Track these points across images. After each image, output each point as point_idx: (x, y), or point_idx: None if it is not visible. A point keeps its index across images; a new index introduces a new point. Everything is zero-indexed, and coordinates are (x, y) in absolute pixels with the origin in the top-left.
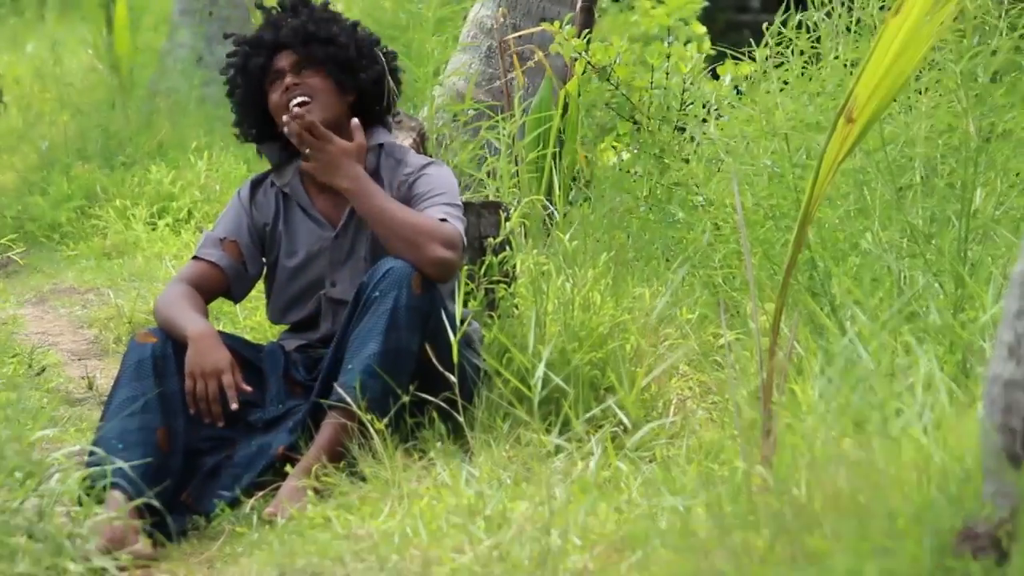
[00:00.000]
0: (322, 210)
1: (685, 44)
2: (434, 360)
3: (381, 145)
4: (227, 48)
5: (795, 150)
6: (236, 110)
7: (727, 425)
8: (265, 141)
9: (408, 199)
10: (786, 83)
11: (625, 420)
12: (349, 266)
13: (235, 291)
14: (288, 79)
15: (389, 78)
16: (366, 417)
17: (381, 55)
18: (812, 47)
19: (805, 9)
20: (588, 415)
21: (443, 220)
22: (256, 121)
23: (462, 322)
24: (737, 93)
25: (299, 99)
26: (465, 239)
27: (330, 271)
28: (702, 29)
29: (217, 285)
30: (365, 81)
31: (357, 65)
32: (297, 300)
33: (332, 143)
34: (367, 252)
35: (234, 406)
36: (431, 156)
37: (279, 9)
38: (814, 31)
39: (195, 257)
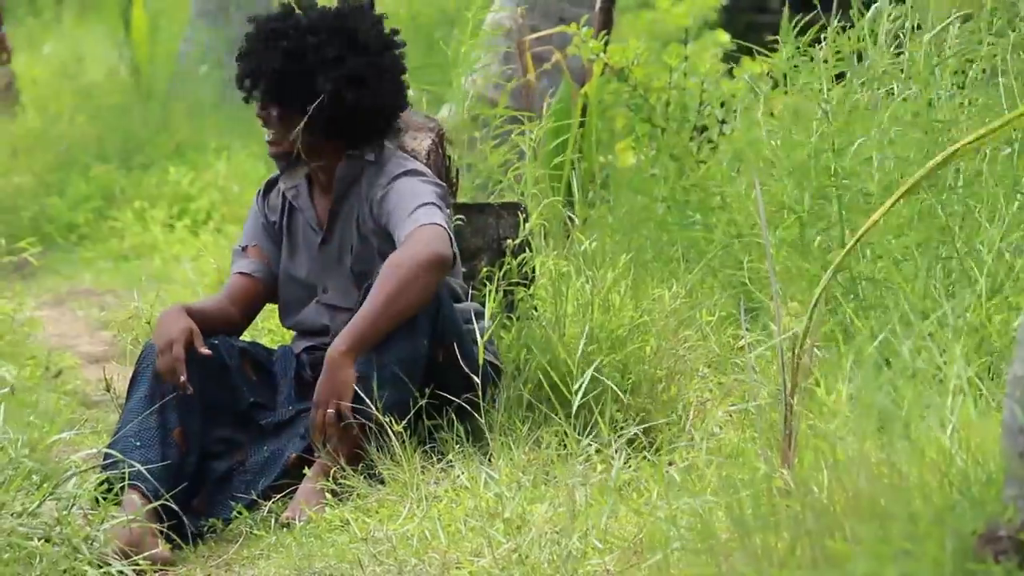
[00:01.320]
0: (318, 215)
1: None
2: (452, 359)
3: (367, 159)
4: None
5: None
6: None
7: (747, 427)
8: None
9: (379, 216)
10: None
11: (645, 423)
12: (337, 272)
13: (271, 290)
14: (257, 110)
15: (379, 97)
16: (384, 419)
17: (372, 75)
18: (835, 55)
19: (829, 9)
20: (606, 417)
21: (413, 229)
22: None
23: (467, 320)
24: (755, 94)
25: (266, 134)
26: (447, 224)
27: (322, 277)
28: (725, 36)
29: (253, 292)
30: (333, 115)
31: (312, 101)
32: (297, 304)
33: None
34: (352, 262)
35: (183, 381)
36: (448, 156)
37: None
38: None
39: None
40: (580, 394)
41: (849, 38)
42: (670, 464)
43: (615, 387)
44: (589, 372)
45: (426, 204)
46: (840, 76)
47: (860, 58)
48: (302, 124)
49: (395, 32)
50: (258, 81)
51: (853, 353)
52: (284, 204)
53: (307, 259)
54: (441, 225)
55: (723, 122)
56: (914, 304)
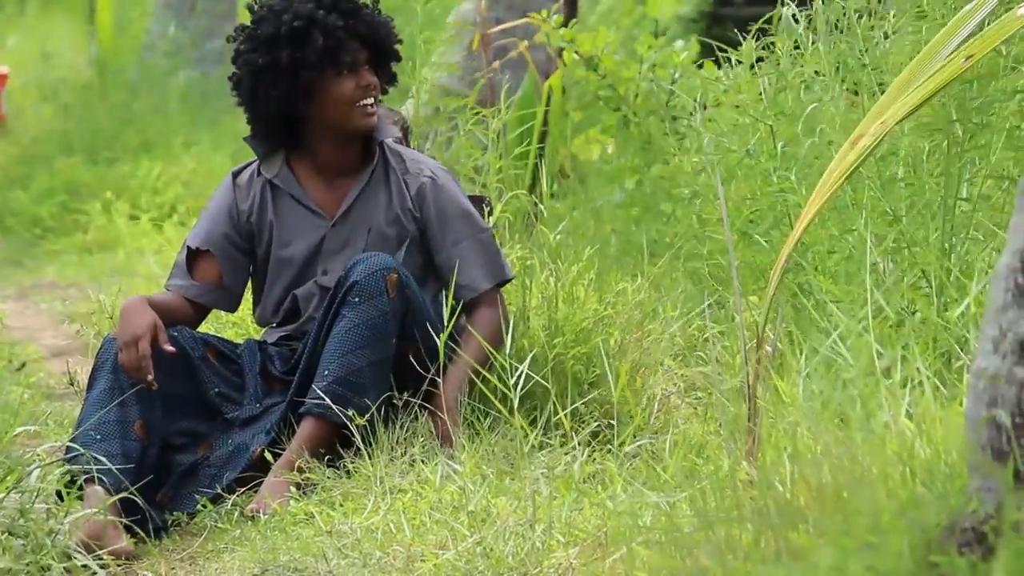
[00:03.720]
0: (317, 200)
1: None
2: (413, 355)
3: (382, 143)
4: (212, 42)
5: (778, 142)
6: (258, 97)
7: (711, 420)
8: (274, 127)
9: (427, 215)
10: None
11: (608, 416)
12: (344, 255)
13: (219, 307)
14: (368, 77)
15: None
16: (349, 413)
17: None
18: (794, 47)
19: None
20: (569, 409)
21: (486, 292)
22: (272, 111)
23: (448, 315)
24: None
25: (367, 105)
26: (502, 255)
27: (323, 259)
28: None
29: (184, 313)
30: (393, 80)
31: (398, 66)
32: (291, 287)
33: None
34: (366, 246)
35: (150, 380)
36: (414, 148)
37: None
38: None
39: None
40: (521, 385)
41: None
42: (634, 457)
43: (577, 380)
44: (525, 365)
45: (492, 236)
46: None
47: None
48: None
49: None
50: (365, 45)
51: (806, 347)
52: (264, 196)
53: (304, 244)
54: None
55: (691, 113)
56: (859, 298)
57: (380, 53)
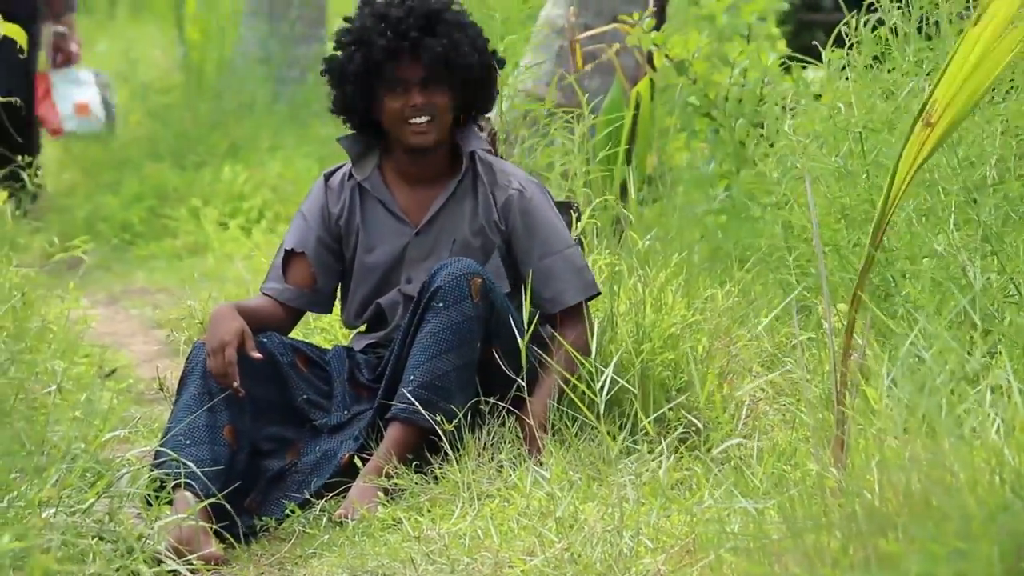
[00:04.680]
0: (404, 207)
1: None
2: (499, 359)
3: (474, 152)
4: (300, 48)
5: (869, 150)
6: (340, 95)
7: (799, 427)
8: (362, 128)
9: (512, 225)
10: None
11: (696, 422)
12: (427, 264)
13: (312, 310)
14: (417, 97)
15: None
16: (436, 418)
17: (493, 60)
18: (886, 48)
19: (872, 10)
20: (655, 415)
21: (573, 308)
22: (356, 110)
23: (531, 323)
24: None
25: (419, 123)
26: (589, 270)
27: (407, 267)
28: (775, 30)
29: (276, 317)
30: (482, 94)
31: (479, 81)
32: (375, 294)
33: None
34: (450, 256)
35: (236, 386)
36: (501, 156)
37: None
38: (879, 29)
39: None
40: (606, 391)
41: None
42: (722, 463)
43: (664, 386)
44: (609, 371)
45: (579, 250)
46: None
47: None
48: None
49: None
50: (423, 63)
51: (892, 354)
52: (353, 198)
53: (389, 250)
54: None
55: (777, 119)
56: (946, 304)
57: (441, 73)
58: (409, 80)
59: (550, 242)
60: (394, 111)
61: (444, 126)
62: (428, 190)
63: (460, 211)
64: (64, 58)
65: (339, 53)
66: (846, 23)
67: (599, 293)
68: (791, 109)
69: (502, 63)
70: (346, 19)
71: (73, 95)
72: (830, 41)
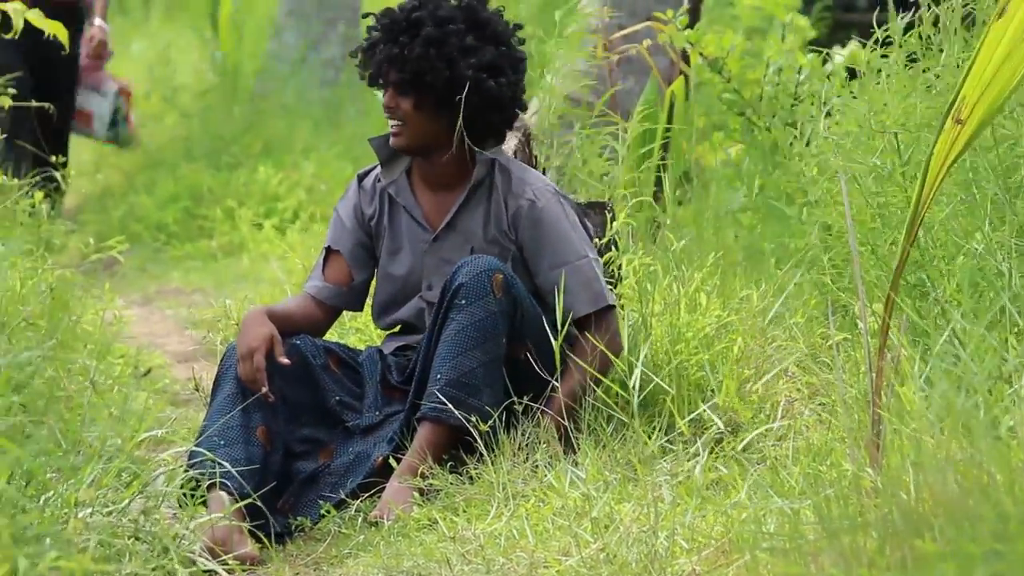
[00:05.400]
0: (426, 212)
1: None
2: (531, 358)
3: (494, 160)
4: (333, 49)
5: (905, 149)
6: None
7: (835, 427)
8: None
9: (523, 236)
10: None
11: (719, 422)
12: (446, 271)
13: (347, 308)
14: (387, 99)
15: (516, 89)
16: (466, 415)
17: (508, 65)
18: (927, 46)
19: (908, 9)
20: (691, 416)
21: (600, 320)
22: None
23: (563, 323)
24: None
25: (391, 125)
26: (603, 281)
27: (427, 274)
28: (803, 20)
29: (317, 316)
30: (472, 104)
31: (453, 90)
32: (396, 300)
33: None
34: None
35: (265, 392)
36: (535, 156)
37: (400, 11)
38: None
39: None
40: (638, 390)
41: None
42: (758, 463)
43: (700, 386)
44: (639, 369)
45: (593, 262)
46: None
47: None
48: (460, 114)
49: (518, 26)
50: (395, 70)
51: (925, 353)
52: (383, 199)
53: (410, 256)
54: (614, 306)
55: (812, 117)
56: (983, 304)
57: (409, 82)
58: (388, 82)
59: (560, 253)
60: (391, 104)
61: (415, 132)
62: (447, 196)
63: (474, 219)
64: (97, 50)
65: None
66: (880, 23)
67: (611, 305)
68: (826, 107)
69: (509, 100)
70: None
71: (79, 101)
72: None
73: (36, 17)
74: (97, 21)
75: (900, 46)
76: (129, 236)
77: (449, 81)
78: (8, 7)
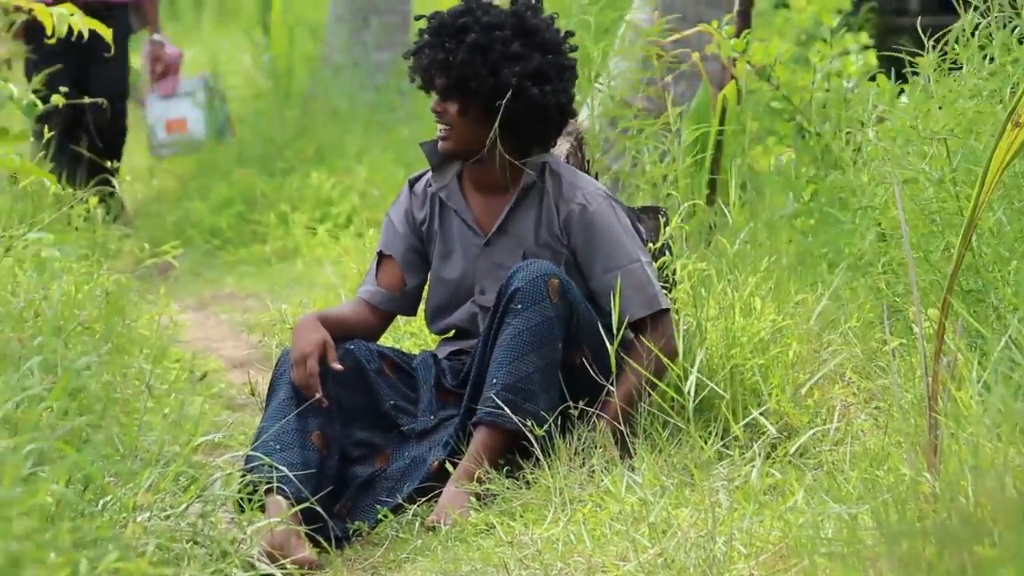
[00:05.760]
0: (477, 216)
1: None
2: (586, 363)
3: (545, 164)
4: (384, 53)
5: (955, 154)
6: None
7: (892, 432)
8: None
9: (575, 241)
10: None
11: (772, 428)
12: (499, 275)
13: (401, 313)
14: (435, 104)
15: (563, 97)
16: (527, 422)
17: (554, 73)
18: (983, 51)
19: (967, 8)
20: (746, 420)
21: (655, 323)
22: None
23: (619, 328)
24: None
25: (439, 129)
26: (657, 285)
27: (480, 278)
28: (866, 37)
29: (370, 321)
30: (516, 111)
31: (498, 96)
32: (449, 305)
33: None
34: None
35: (319, 397)
36: (588, 161)
37: (450, 16)
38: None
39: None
40: (694, 395)
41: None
42: (815, 468)
43: (755, 391)
44: (694, 375)
45: (646, 266)
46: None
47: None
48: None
49: (569, 34)
50: (441, 75)
51: (982, 357)
52: (434, 203)
53: (462, 260)
54: (668, 309)
55: (862, 124)
56: None
57: (454, 89)
58: (436, 86)
59: (613, 257)
60: (439, 109)
61: (462, 137)
62: (498, 200)
63: (525, 223)
64: (163, 70)
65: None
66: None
67: (665, 309)
68: (878, 115)
69: (533, 101)
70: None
71: (166, 113)
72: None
73: (79, 19)
74: (155, 36)
75: (953, 50)
76: (183, 241)
77: (493, 87)
78: (54, 11)
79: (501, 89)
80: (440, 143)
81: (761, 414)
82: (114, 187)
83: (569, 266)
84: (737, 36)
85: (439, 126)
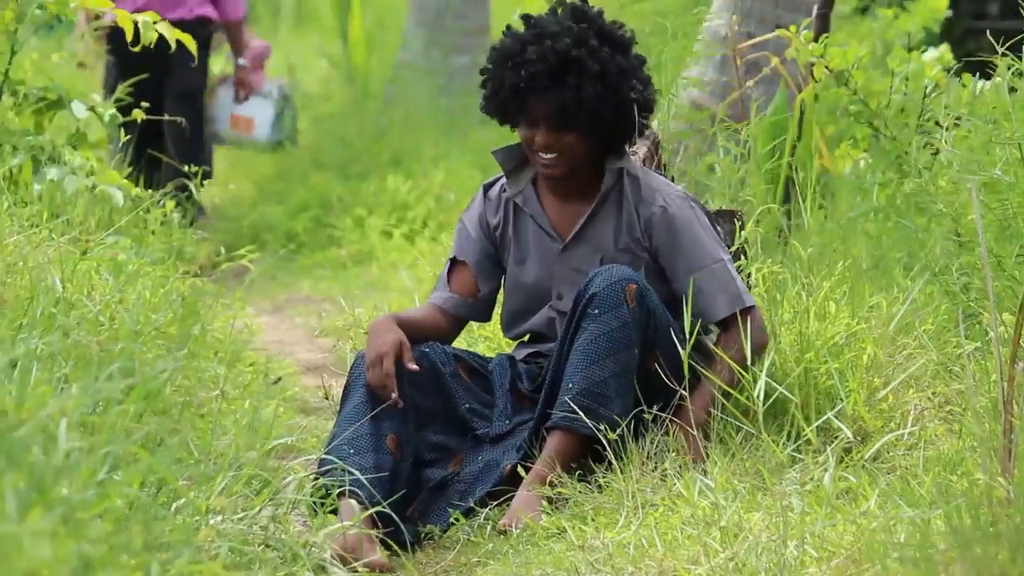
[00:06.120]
0: (554, 221)
1: (922, 51)
2: (660, 368)
3: (622, 168)
4: (463, 58)
5: None
6: (485, 108)
7: (965, 437)
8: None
9: (657, 244)
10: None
11: (847, 431)
12: (576, 280)
13: (474, 319)
14: (542, 136)
15: (644, 105)
16: (598, 424)
17: (638, 83)
18: None
19: None
20: (818, 423)
21: (743, 319)
22: (505, 101)
23: (698, 332)
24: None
25: (546, 158)
26: (740, 282)
27: (557, 283)
28: (948, 53)
29: (441, 326)
30: (619, 132)
31: (613, 122)
32: (525, 310)
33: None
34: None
35: (394, 398)
36: (666, 164)
37: (543, 35)
38: None
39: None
40: (763, 400)
41: None
42: (888, 473)
43: (829, 395)
44: (763, 379)
45: (727, 264)
46: None
47: None
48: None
49: (620, 24)
50: (562, 111)
51: None
52: (508, 208)
53: (539, 265)
54: (755, 306)
55: (949, 127)
56: None
57: (566, 119)
58: (537, 117)
59: (696, 257)
60: (525, 140)
61: (576, 157)
62: (577, 205)
63: (605, 228)
64: (246, 96)
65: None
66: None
67: (751, 306)
68: (956, 119)
69: (647, 104)
70: (498, 43)
71: (236, 108)
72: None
73: (165, 28)
74: (240, 61)
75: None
76: (259, 245)
77: (615, 109)
78: (137, 18)
79: (622, 108)
80: (546, 170)
81: (834, 417)
82: (190, 191)
83: (649, 270)
84: (815, 40)
85: (546, 156)
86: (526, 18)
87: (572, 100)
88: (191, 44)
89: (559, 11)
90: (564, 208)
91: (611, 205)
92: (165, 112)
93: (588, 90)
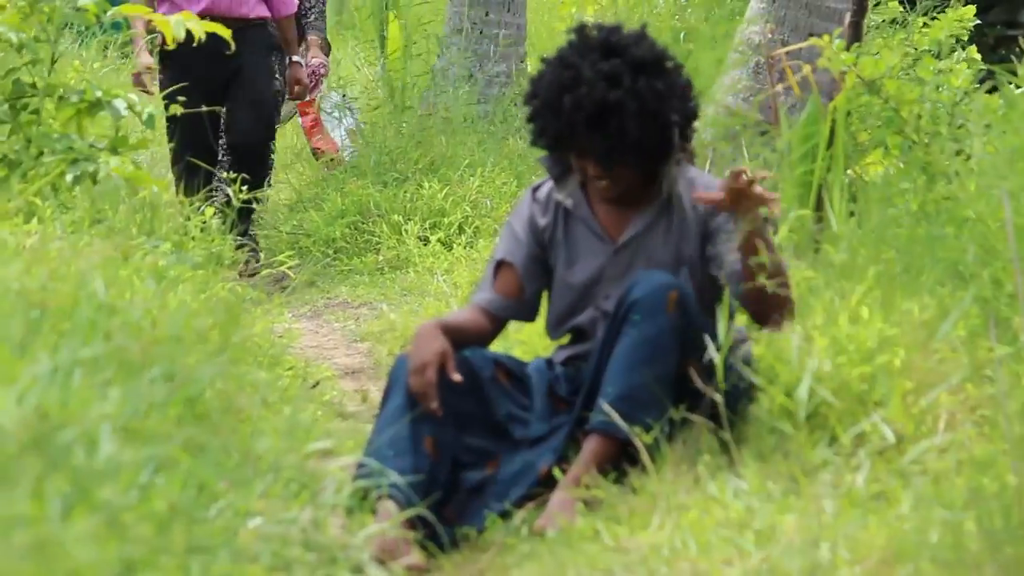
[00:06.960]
0: (604, 224)
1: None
2: (694, 375)
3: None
4: (499, 65)
5: None
6: (537, 130)
7: (997, 440)
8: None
9: (716, 225)
10: None
11: (890, 434)
12: (624, 280)
13: (517, 319)
14: (593, 169)
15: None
16: (634, 429)
17: (678, 102)
18: None
19: None
20: (858, 427)
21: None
22: (552, 141)
23: (735, 342)
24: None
25: (602, 184)
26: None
27: (605, 285)
28: (976, 55)
29: (484, 329)
30: (667, 143)
31: (658, 140)
32: (574, 310)
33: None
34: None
35: (435, 407)
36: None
37: (599, 68)
38: None
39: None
40: (806, 402)
41: None
42: (919, 476)
43: (862, 399)
44: (807, 381)
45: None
46: None
47: None
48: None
49: (644, 34)
50: (612, 153)
51: None
52: (557, 211)
53: (589, 267)
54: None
55: (968, 129)
56: None
57: (606, 159)
58: (585, 152)
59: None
60: (579, 168)
61: (626, 183)
62: (630, 210)
63: (657, 231)
64: (300, 92)
65: (529, 89)
66: None
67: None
68: (987, 125)
69: (691, 116)
70: (535, 83)
71: (339, 124)
72: None
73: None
74: (294, 58)
75: None
76: (298, 251)
77: (661, 131)
78: (172, 19)
79: (667, 130)
80: (602, 194)
81: (877, 420)
82: (229, 196)
83: (693, 274)
84: (847, 49)
85: (599, 183)
86: (558, 60)
87: (616, 142)
88: (226, 33)
89: (588, 37)
90: (616, 211)
91: (665, 210)
92: (234, 120)
93: (631, 128)
